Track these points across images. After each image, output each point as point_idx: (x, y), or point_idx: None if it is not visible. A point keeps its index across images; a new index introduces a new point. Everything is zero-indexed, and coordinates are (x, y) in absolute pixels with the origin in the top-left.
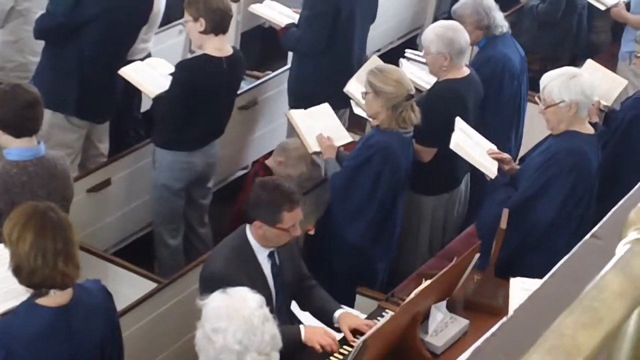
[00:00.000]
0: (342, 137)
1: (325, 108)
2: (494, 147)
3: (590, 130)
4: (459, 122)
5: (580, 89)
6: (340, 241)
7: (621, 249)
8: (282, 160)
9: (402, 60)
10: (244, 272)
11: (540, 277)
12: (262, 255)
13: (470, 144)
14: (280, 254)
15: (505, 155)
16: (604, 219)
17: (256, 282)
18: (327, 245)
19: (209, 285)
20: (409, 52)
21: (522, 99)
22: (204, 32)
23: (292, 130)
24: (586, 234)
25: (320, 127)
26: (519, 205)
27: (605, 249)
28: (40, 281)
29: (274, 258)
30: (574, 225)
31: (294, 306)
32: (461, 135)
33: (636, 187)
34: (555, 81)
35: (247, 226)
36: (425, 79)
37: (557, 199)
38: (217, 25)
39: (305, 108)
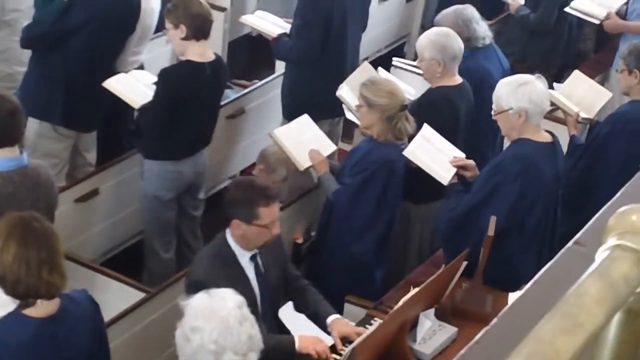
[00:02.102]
0: (326, 146)
1: (304, 119)
2: (459, 154)
3: (545, 138)
4: (424, 129)
5: (527, 97)
6: (346, 257)
7: (600, 255)
8: (262, 167)
9: (380, 68)
10: (226, 277)
11: (495, 283)
12: (244, 259)
13: (429, 150)
14: (263, 257)
15: (468, 162)
16: (587, 225)
17: (239, 286)
18: (326, 260)
19: (193, 292)
20: (396, 61)
21: None
22: (185, 39)
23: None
24: (546, 241)
25: (305, 139)
26: (466, 212)
27: (588, 256)
28: (25, 291)
29: (257, 261)
30: (528, 233)
31: (288, 308)
32: (419, 142)
33: (618, 194)
34: (505, 88)
35: (228, 231)
36: (404, 89)
37: (504, 206)
38: (198, 30)
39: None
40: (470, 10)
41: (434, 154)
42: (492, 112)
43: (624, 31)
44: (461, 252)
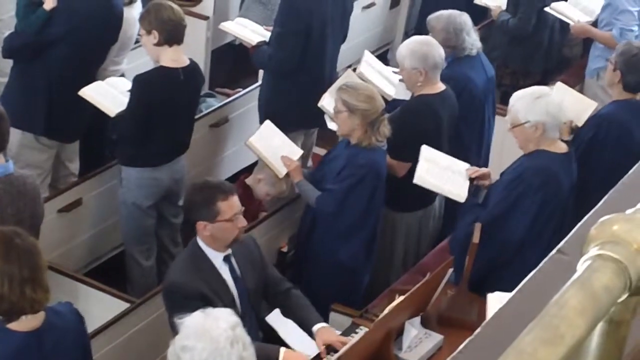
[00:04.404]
0: (294, 152)
1: (269, 125)
2: (467, 166)
3: (562, 149)
4: (424, 150)
5: (545, 109)
6: (333, 264)
7: (582, 265)
8: (261, 177)
9: (366, 52)
10: (202, 279)
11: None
12: (217, 260)
13: (437, 171)
14: (238, 260)
15: (484, 171)
16: (570, 234)
17: (216, 287)
18: (316, 269)
19: (170, 297)
20: None
21: (486, 119)
22: (158, 44)
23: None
24: None
25: (275, 146)
26: (487, 223)
27: (572, 265)
28: (8, 308)
29: (231, 262)
30: (545, 242)
31: (275, 314)
32: (425, 166)
33: (600, 202)
34: (521, 101)
35: (197, 236)
36: (385, 74)
37: (526, 217)
38: (171, 35)
39: (276, 126)
40: (464, 19)
41: (443, 174)
42: (508, 126)
43: (589, 36)
44: (480, 265)
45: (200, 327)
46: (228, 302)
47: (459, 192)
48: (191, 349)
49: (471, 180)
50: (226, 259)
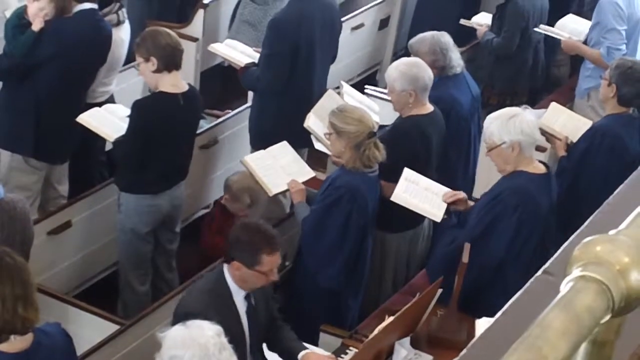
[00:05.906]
0: (304, 172)
1: (283, 145)
2: (446, 190)
3: (539, 169)
4: (405, 172)
5: (519, 128)
6: (314, 285)
7: (565, 286)
8: (227, 196)
9: (343, 82)
10: (218, 311)
11: (493, 315)
12: (238, 297)
13: (416, 191)
14: (255, 296)
15: (461, 195)
16: (555, 254)
17: (230, 322)
18: (300, 288)
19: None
20: (369, 89)
21: (472, 139)
22: (157, 71)
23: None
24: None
25: (280, 165)
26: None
27: (558, 285)
28: (1, 327)
29: (250, 300)
30: (525, 262)
31: (263, 347)
32: (404, 185)
33: (585, 223)
34: (495, 123)
35: (225, 266)
36: (366, 103)
37: (504, 238)
38: (169, 61)
39: (265, 147)
40: (447, 38)
41: (422, 194)
42: (485, 149)
43: (579, 52)
44: (462, 286)
45: (186, 336)
46: (237, 336)
47: (436, 212)
48: (180, 357)
49: (448, 203)
50: (247, 297)
